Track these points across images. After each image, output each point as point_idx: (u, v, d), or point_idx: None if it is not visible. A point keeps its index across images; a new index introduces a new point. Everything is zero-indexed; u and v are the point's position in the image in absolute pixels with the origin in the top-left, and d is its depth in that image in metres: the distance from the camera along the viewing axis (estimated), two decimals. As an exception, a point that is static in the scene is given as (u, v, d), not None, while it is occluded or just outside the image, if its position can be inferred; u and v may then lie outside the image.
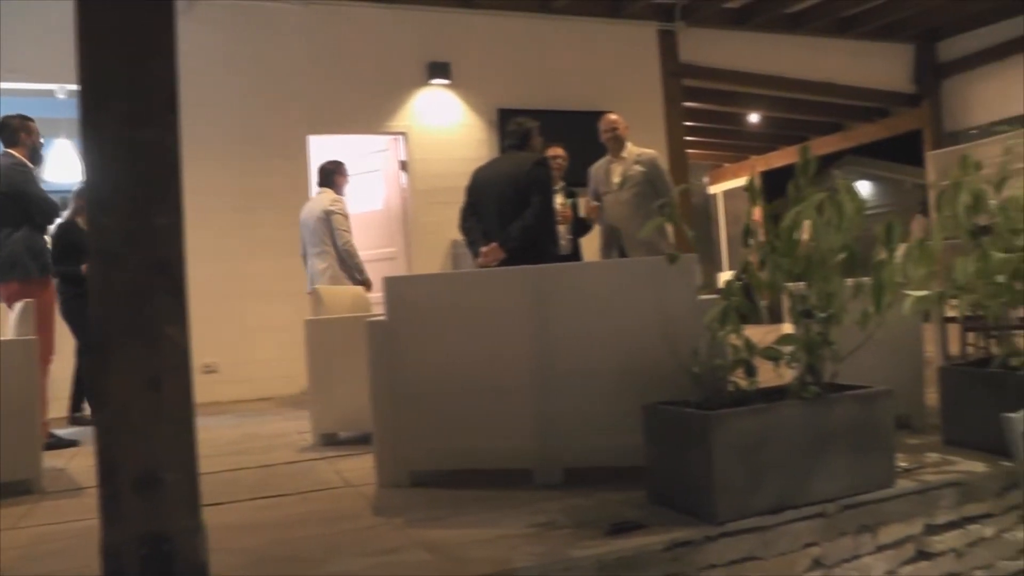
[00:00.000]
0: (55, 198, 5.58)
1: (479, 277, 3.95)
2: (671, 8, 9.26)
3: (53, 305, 5.53)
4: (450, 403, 3.49)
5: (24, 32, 6.98)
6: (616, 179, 5.92)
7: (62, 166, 8.22)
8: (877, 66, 11.02)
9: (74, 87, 2.41)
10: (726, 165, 15.44)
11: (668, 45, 9.37)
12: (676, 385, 2.97)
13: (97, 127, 2.22)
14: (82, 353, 6.24)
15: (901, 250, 3.13)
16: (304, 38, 7.96)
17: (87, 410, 6.49)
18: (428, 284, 3.87)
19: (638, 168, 5.85)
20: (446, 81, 8.40)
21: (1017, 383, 3.54)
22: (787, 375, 3.03)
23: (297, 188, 7.79)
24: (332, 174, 6.76)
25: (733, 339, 2.91)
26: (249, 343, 7.62)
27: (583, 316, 3.40)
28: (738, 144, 14.44)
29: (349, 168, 6.95)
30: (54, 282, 5.63)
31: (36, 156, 5.54)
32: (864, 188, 14.41)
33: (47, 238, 5.61)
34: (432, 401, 3.51)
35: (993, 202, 3.77)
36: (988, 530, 3.35)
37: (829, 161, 13.87)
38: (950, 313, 4.99)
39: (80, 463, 4.60)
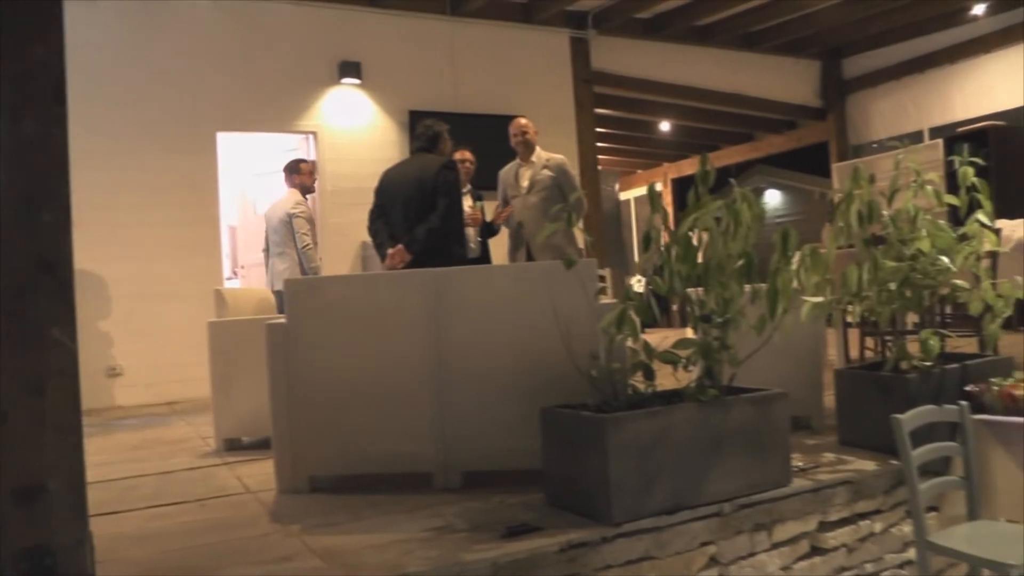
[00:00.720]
0: None
1: (379, 280, 3.92)
2: (583, 16, 9.34)
3: None
4: (350, 407, 3.45)
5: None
6: (525, 183, 5.94)
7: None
8: (785, 80, 11.38)
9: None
10: (638, 172, 15.67)
11: (580, 52, 9.46)
12: (575, 388, 3.00)
13: (-27, 118, 2.10)
14: None
15: (797, 258, 3.21)
16: (212, 33, 7.76)
17: None
18: (328, 286, 3.81)
19: (547, 173, 5.88)
20: (357, 81, 8.28)
21: (906, 386, 3.68)
22: (686, 379, 3.08)
23: (206, 185, 7.61)
24: (298, 173, 6.80)
25: (631, 343, 2.95)
26: (155, 345, 7.38)
27: (483, 319, 3.41)
28: (650, 151, 14.67)
29: (259, 167, 6.84)
30: None
31: None
32: (774, 197, 14.81)
33: None
34: (332, 405, 3.47)
35: (886, 213, 3.92)
36: (877, 525, 3.48)
37: (741, 170, 14.25)
38: (851, 319, 5.17)
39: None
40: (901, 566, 3.54)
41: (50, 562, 2.07)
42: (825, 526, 3.30)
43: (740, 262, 3.00)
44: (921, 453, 3.19)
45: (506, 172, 6.12)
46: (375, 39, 8.39)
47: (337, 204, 8.15)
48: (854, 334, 5.83)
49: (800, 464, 3.47)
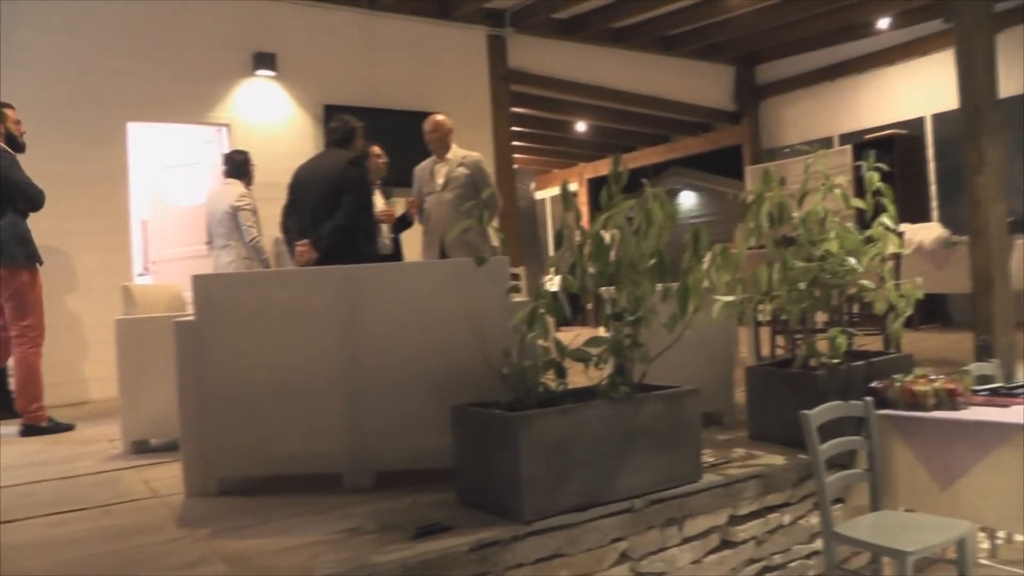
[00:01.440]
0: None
1: (291, 276, 3.85)
2: (501, 14, 9.33)
3: (41, 290, 5.55)
4: (259, 407, 3.38)
5: None
6: (440, 180, 5.88)
7: None
8: (700, 84, 11.60)
9: None
10: (554, 171, 15.76)
11: (497, 50, 9.45)
12: (487, 387, 2.99)
13: None
14: None
15: (708, 257, 3.27)
16: (122, 20, 7.48)
17: None
18: (238, 283, 3.73)
19: (462, 170, 5.83)
20: (272, 73, 8.08)
21: (814, 382, 3.78)
22: (598, 376, 3.10)
23: (116, 176, 7.33)
24: (242, 164, 6.71)
25: (543, 341, 2.95)
26: (61, 343, 7.09)
27: (396, 317, 3.37)
28: (566, 151, 14.76)
29: (171, 160, 6.66)
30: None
31: (15, 143, 5.58)
32: (689, 198, 15.09)
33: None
34: (241, 405, 3.39)
35: (796, 215, 4.02)
36: (786, 518, 3.57)
37: (657, 171, 14.48)
38: (762, 317, 5.30)
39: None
40: (808, 556, 3.64)
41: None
42: (735, 520, 3.37)
43: (652, 261, 3.03)
44: (828, 447, 3.29)
45: (421, 169, 6.07)
46: (291, 30, 8.22)
47: (256, 197, 7.95)
48: (765, 332, 5.98)
49: (711, 459, 3.53)
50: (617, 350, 3.00)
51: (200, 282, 3.45)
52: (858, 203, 4.22)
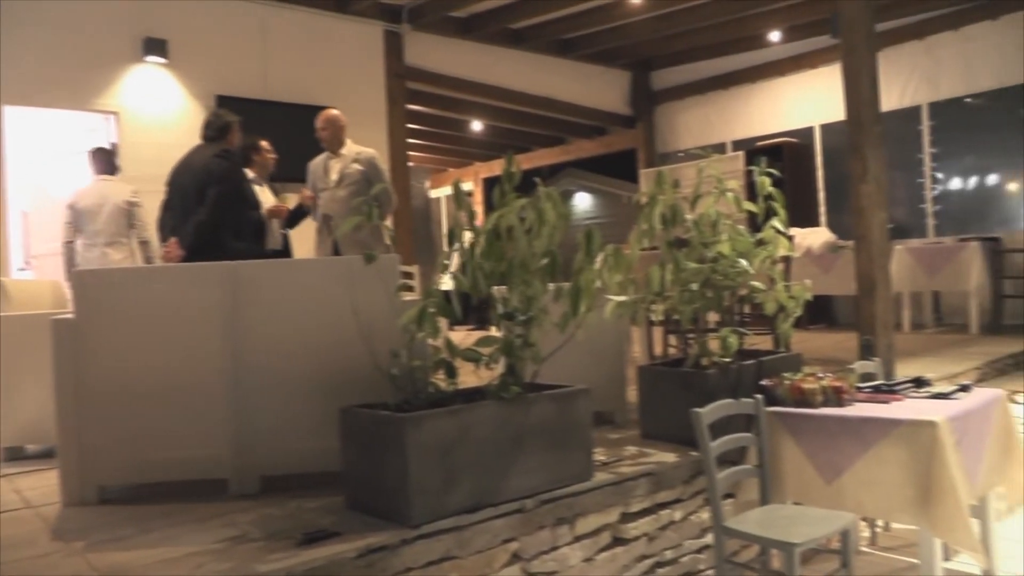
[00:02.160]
0: None
1: (173, 273, 3.69)
2: (398, 10, 9.25)
3: None
4: (142, 410, 3.24)
5: None
6: (334, 176, 5.77)
7: None
8: (596, 88, 11.74)
9: None
10: (450, 170, 15.74)
11: (394, 46, 9.36)
12: (377, 388, 2.94)
13: None
14: None
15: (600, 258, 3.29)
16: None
17: None
18: (119, 279, 3.56)
19: (356, 167, 5.73)
20: (163, 60, 7.78)
21: (705, 381, 3.86)
22: (489, 377, 3.08)
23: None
24: (114, 159, 6.61)
25: (433, 341, 2.92)
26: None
27: (281, 316, 3.29)
28: (462, 150, 14.78)
29: (55, 148, 6.38)
30: None
31: None
32: (584, 200, 15.29)
33: None
34: (123, 408, 3.25)
35: (689, 217, 4.10)
36: (677, 514, 3.63)
37: (553, 172, 14.63)
38: (656, 317, 5.38)
39: None
40: (699, 551, 3.71)
41: None
42: (627, 517, 3.40)
43: (544, 261, 3.03)
44: (719, 444, 3.36)
45: (316, 164, 5.94)
46: (183, 17, 7.91)
47: (140, 192, 7.62)
48: (659, 332, 6.08)
49: (603, 458, 3.56)
50: (508, 350, 2.99)
51: (79, 278, 3.29)
52: (750, 207, 4.32)
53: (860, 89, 5.29)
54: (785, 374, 3.97)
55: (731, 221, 4.24)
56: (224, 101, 7.45)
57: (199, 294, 3.29)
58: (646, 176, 11.06)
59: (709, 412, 3.38)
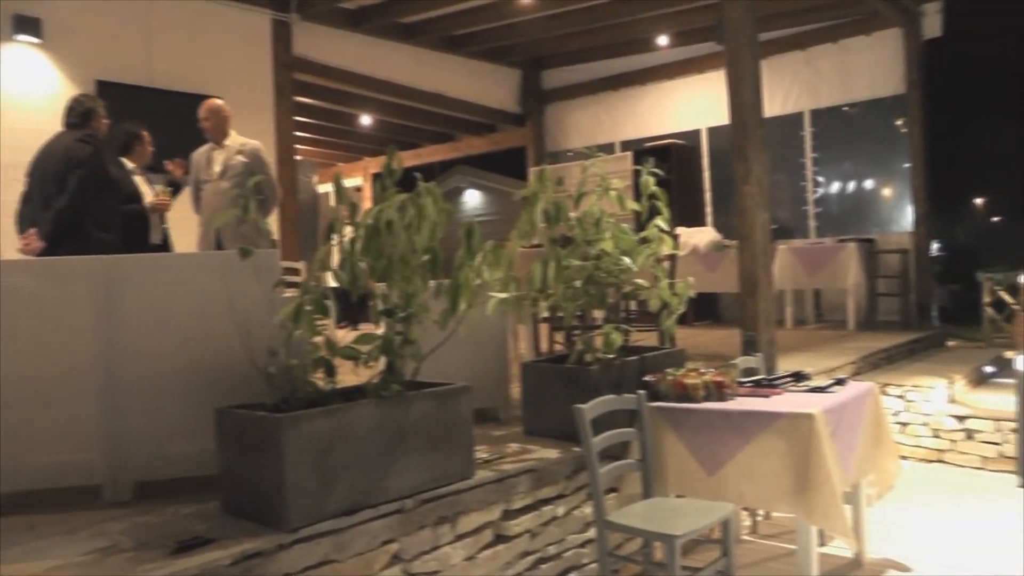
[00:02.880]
0: None
1: (38, 266, 3.48)
2: (287, -2, 9.08)
3: None
4: (6, 413, 3.01)
5: None
6: (217, 168, 5.58)
7: None
8: (486, 85, 11.74)
9: None
10: (339, 164, 15.52)
11: (282, 36, 9.10)
12: (256, 387, 2.84)
13: None
14: None
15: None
16: None
17: None
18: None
19: (240, 159, 5.55)
20: (36, 40, 7.29)
21: (588, 377, 3.90)
22: (369, 375, 3.04)
23: None
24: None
25: (312, 338, 2.86)
26: None
27: (157, 312, 3.15)
28: (351, 144, 14.59)
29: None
30: None
31: None
32: (474, 197, 15.33)
33: None
34: (-18, 413, 3.04)
35: (573, 215, 4.14)
36: (560, 509, 3.65)
37: (444, 168, 14.62)
38: (542, 314, 5.42)
39: None
40: (583, 545, 3.75)
41: None
42: (509, 514, 3.41)
43: (425, 257, 3.00)
44: (601, 440, 3.40)
45: (199, 155, 5.71)
46: (60, -6, 7.52)
47: (11, 180, 7.15)
48: (546, 329, 6.13)
49: (485, 455, 3.56)
50: (388, 347, 2.95)
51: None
52: (633, 205, 4.39)
53: (743, 94, 5.46)
54: (668, 370, 4.06)
55: (615, 219, 4.30)
56: (105, 87, 7.11)
57: (65, 289, 3.11)
58: (535, 174, 11.18)
59: (591, 408, 3.43)
